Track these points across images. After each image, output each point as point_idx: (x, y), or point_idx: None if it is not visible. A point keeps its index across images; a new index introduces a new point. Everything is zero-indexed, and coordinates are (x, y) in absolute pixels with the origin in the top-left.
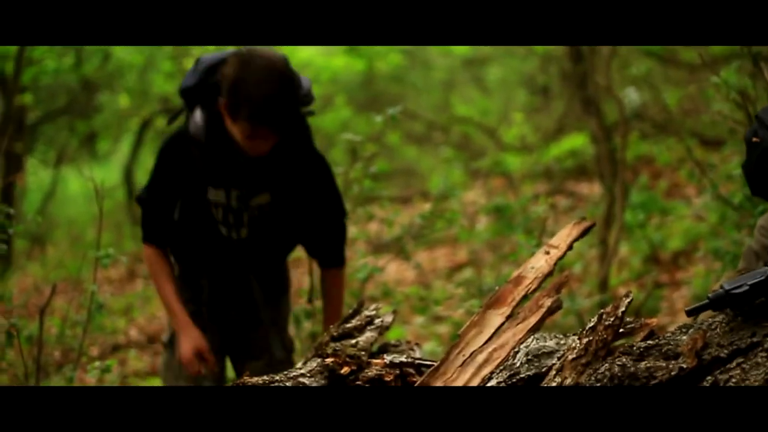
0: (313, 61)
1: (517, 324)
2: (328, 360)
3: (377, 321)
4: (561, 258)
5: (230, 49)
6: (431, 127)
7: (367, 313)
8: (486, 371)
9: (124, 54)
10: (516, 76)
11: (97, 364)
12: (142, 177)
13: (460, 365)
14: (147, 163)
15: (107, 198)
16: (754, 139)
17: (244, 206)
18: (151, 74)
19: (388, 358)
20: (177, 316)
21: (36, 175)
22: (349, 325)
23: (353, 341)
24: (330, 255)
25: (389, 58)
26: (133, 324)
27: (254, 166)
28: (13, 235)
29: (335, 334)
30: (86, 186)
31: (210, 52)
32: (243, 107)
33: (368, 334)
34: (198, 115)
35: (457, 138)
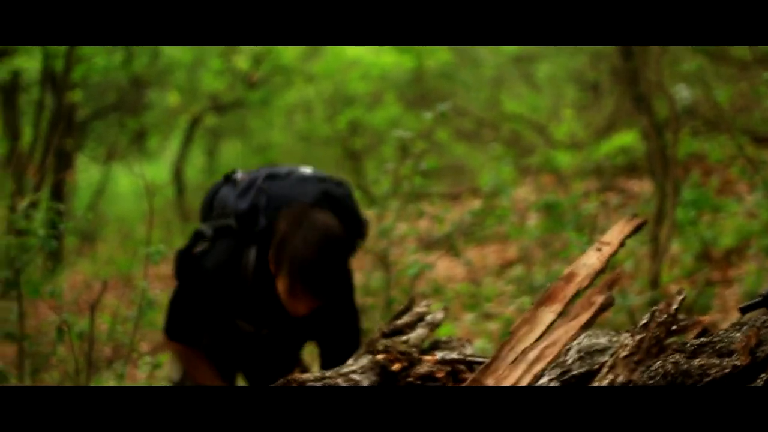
0: (362, 58)
1: (569, 321)
2: (380, 356)
3: (428, 318)
4: (613, 255)
5: (295, 179)
6: (480, 124)
7: (418, 309)
8: (537, 368)
9: (174, 51)
10: (565, 72)
11: (147, 359)
12: (191, 174)
13: (512, 362)
14: (196, 160)
15: (157, 195)
16: None
17: (271, 338)
18: (201, 71)
19: (439, 354)
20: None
21: (86, 172)
22: (400, 322)
23: (404, 338)
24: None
25: (438, 55)
26: None
27: (291, 317)
28: (64, 231)
29: (386, 330)
30: (136, 183)
31: (273, 177)
32: (285, 264)
33: (419, 331)
34: (252, 256)
35: (507, 135)
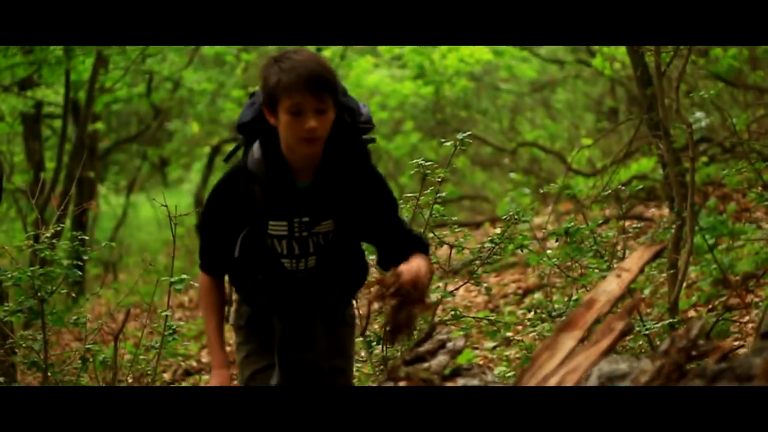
0: (381, 86)
1: (590, 347)
2: (401, 383)
3: (449, 345)
4: (632, 281)
5: None
6: (499, 152)
7: (439, 337)
8: None
9: (194, 82)
10: (583, 99)
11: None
12: None
13: None
14: None
15: (179, 225)
16: None
17: (309, 234)
18: (221, 101)
19: (461, 381)
20: (214, 354)
21: (108, 202)
22: (421, 349)
23: (426, 365)
24: (412, 247)
25: (457, 83)
26: (205, 349)
27: (315, 192)
28: (87, 261)
29: (408, 358)
30: (157, 212)
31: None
32: (278, 86)
33: (441, 358)
34: (256, 149)
35: (526, 162)
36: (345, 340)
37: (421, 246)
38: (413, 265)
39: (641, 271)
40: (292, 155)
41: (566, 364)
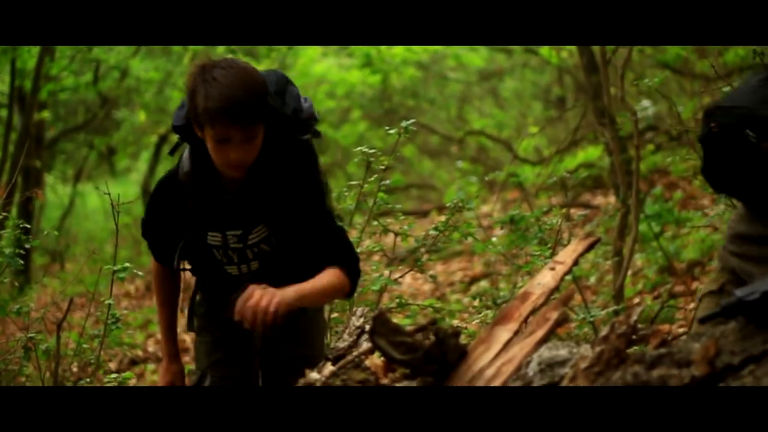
0: (328, 75)
1: (525, 338)
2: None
3: (368, 328)
4: (567, 273)
5: None
6: (447, 140)
7: (356, 324)
8: (495, 385)
9: (141, 70)
10: (531, 88)
11: (113, 376)
12: None
13: (469, 380)
14: None
15: (125, 214)
16: (712, 125)
17: (245, 246)
18: (168, 90)
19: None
20: (166, 345)
21: (55, 191)
22: (343, 345)
23: (355, 358)
24: (331, 258)
25: (404, 72)
26: (151, 338)
27: (242, 202)
28: (31, 250)
29: (331, 357)
30: (105, 202)
31: None
32: (204, 110)
33: (365, 345)
34: (186, 159)
35: (473, 151)
36: (309, 329)
37: (337, 260)
38: (243, 300)
39: (576, 263)
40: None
41: (502, 356)
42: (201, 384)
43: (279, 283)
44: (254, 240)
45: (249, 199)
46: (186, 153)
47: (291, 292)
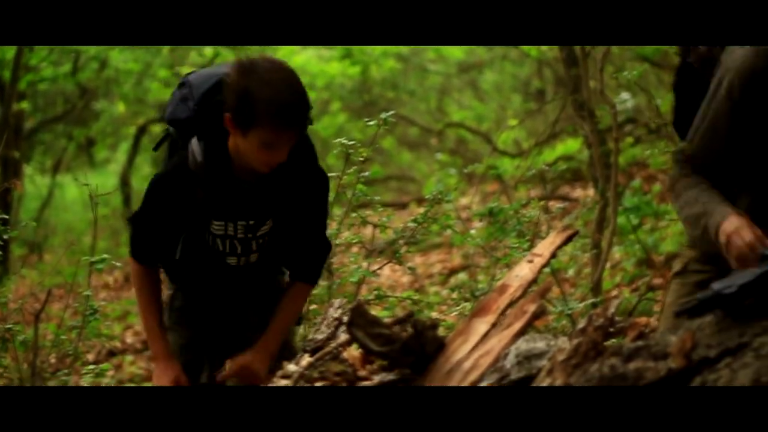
0: (308, 66)
1: (503, 330)
2: (318, 384)
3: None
4: (544, 266)
5: (217, 67)
6: (427, 132)
7: (334, 315)
8: (472, 377)
9: (121, 61)
10: (511, 80)
11: (91, 368)
12: (138, 183)
13: (447, 372)
14: (143, 169)
15: (104, 205)
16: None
17: (253, 236)
18: (148, 81)
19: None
20: (157, 345)
21: (34, 182)
22: (321, 336)
23: (333, 350)
24: (306, 269)
25: (384, 63)
26: (129, 330)
27: (259, 193)
28: (9, 240)
29: (309, 349)
30: (83, 193)
31: (196, 71)
32: (261, 113)
33: (342, 337)
34: (197, 148)
35: (452, 143)
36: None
37: (309, 272)
38: (238, 365)
39: (553, 256)
40: (240, 159)
41: (479, 348)
42: None
43: (264, 272)
44: (264, 231)
45: (265, 190)
46: (196, 145)
47: (272, 346)
